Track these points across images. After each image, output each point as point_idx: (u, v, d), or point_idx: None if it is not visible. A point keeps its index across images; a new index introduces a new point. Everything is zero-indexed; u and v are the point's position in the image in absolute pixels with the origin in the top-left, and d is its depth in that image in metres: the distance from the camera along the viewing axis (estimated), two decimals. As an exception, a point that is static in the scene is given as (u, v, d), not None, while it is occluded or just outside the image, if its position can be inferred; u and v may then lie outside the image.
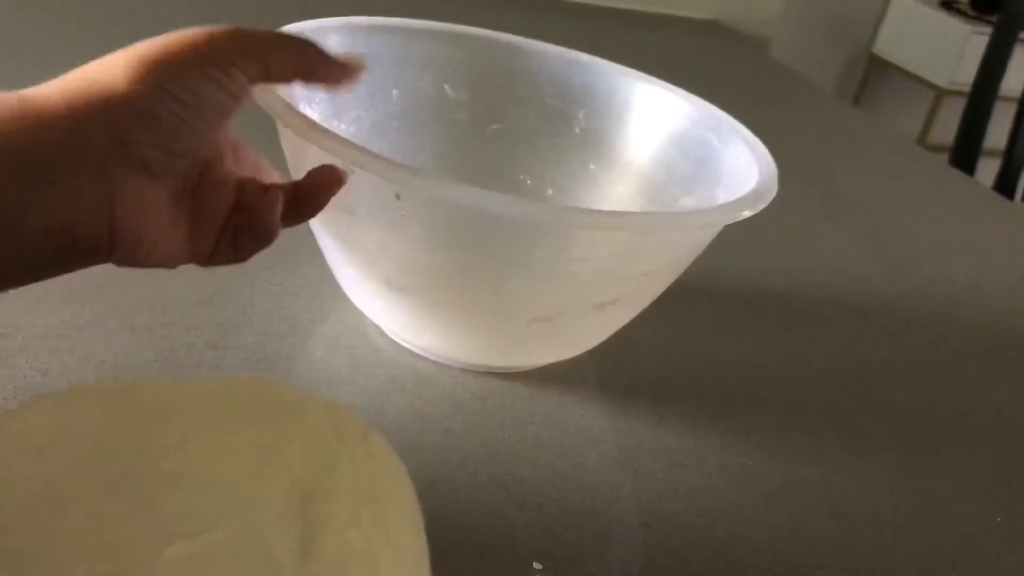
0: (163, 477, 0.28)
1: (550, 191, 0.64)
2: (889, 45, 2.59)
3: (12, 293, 0.49)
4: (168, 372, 0.47)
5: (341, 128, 0.58)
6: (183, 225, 0.37)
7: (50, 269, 0.34)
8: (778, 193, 0.49)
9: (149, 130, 0.33)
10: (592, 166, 0.63)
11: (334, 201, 0.42)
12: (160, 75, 0.33)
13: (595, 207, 0.62)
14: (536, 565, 0.41)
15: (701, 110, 0.59)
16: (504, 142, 0.64)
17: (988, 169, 1.55)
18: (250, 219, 0.38)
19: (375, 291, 0.50)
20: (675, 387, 0.56)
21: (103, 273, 0.52)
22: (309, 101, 0.54)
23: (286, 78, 0.38)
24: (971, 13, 2.43)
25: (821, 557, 0.46)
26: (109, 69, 0.33)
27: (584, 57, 0.63)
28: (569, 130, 0.63)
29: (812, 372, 0.62)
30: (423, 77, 0.62)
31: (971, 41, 2.31)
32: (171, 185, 0.35)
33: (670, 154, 0.60)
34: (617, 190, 0.62)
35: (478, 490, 0.45)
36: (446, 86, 0.62)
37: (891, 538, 0.49)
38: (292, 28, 0.52)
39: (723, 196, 0.52)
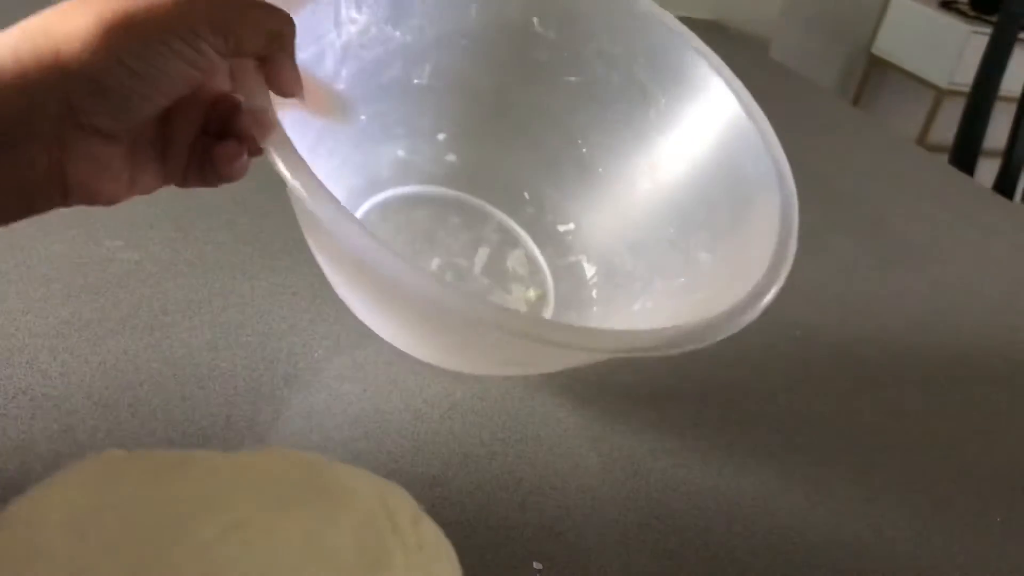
0: (207, 568, 0.26)
1: (600, 170, 0.58)
2: (889, 45, 2.59)
3: (12, 293, 0.49)
4: (168, 372, 0.47)
5: (396, 36, 0.51)
6: (149, 164, 0.36)
7: (13, 217, 0.34)
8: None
9: (100, 101, 0.32)
10: (646, 162, 0.57)
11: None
12: (119, 45, 0.31)
13: (629, 211, 0.58)
14: (536, 565, 0.41)
15: (769, 156, 0.51)
16: (575, 97, 0.57)
17: (988, 169, 1.55)
18: (212, 159, 0.37)
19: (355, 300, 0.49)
20: (675, 387, 0.56)
21: (103, 273, 0.53)
22: (360, 3, 0.48)
23: (257, 54, 0.36)
24: (971, 13, 2.43)
25: (821, 557, 0.46)
26: (69, 30, 0.32)
27: (692, 41, 0.55)
28: (644, 112, 0.56)
29: (810, 372, 0.62)
30: (512, 1, 0.55)
31: (971, 41, 2.31)
32: (127, 140, 0.35)
33: (716, 193, 0.53)
34: (657, 196, 0.57)
35: (478, 490, 0.45)
36: (535, 18, 0.55)
37: (891, 538, 0.49)
38: None
39: (727, 278, 0.47)
